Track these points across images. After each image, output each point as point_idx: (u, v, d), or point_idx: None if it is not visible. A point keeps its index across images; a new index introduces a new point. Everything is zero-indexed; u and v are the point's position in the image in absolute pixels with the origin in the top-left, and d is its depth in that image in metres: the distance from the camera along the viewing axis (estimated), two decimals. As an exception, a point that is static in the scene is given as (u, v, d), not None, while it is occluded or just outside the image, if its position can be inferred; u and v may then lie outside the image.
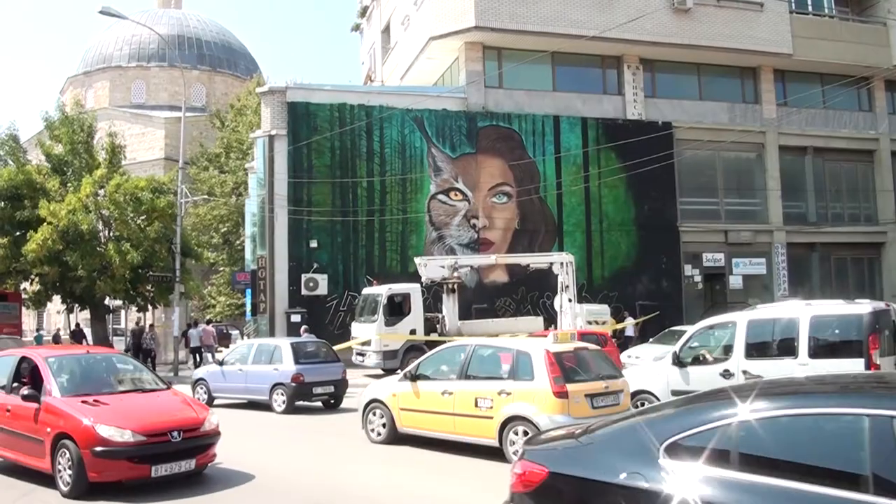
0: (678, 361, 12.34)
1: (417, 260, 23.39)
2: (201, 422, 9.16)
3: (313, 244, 26.08)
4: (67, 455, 8.47)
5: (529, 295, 27.33)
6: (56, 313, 43.95)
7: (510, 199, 28.04)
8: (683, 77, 31.12)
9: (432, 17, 27.93)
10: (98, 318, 29.23)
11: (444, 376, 11.40)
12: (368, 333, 22.11)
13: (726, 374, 11.47)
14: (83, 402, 8.86)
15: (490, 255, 25.48)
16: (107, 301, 29.54)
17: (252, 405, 16.86)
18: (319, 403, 16.89)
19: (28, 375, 9.95)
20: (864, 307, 10.91)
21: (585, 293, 26.83)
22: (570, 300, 22.98)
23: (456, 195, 27.64)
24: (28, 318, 39.61)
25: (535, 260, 24.58)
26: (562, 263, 23.36)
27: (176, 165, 30.45)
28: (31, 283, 28.43)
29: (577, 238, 28.52)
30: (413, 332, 22.25)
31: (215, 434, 9.38)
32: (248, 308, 29.33)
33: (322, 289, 25.86)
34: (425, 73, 30.70)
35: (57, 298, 29.59)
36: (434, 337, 22.55)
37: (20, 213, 25.88)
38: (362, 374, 21.07)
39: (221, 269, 39.92)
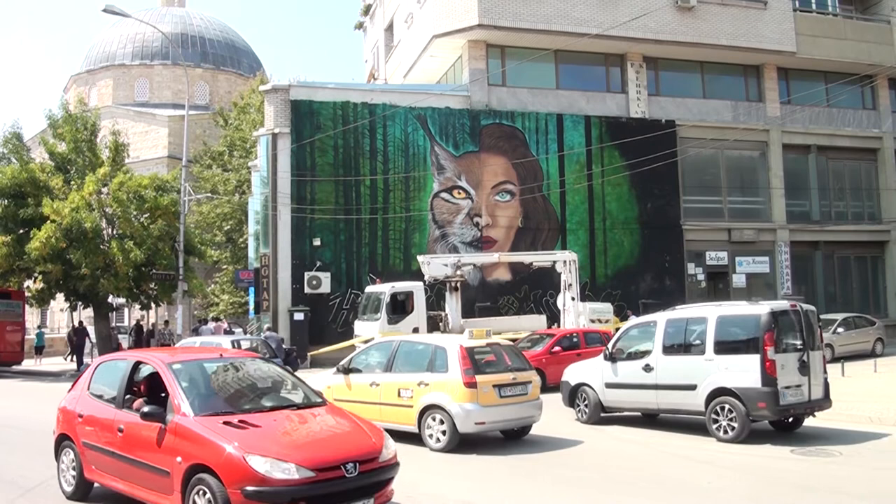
0: (610, 357, 13.38)
1: (420, 258, 23.42)
2: (379, 449, 7.12)
3: (316, 242, 26.11)
4: (208, 495, 6.55)
5: (533, 293, 27.34)
6: (59, 311, 44.02)
7: (513, 197, 28.04)
8: (687, 75, 31.09)
9: (436, 15, 27.93)
10: (101, 316, 29.24)
11: (373, 369, 12.51)
12: (371, 331, 22.09)
13: (647, 369, 12.64)
14: (225, 423, 6.87)
15: (493, 254, 25.51)
16: (110, 299, 29.54)
17: None
18: None
19: (144, 385, 8.33)
20: (763, 308, 11.77)
21: (588, 291, 26.85)
22: (573, 298, 23.03)
23: (459, 193, 27.65)
24: (31, 316, 39.67)
25: (539, 258, 24.60)
26: (565, 262, 23.40)
27: (179, 163, 30.48)
28: (35, 281, 28.44)
29: (580, 236, 28.51)
30: (416, 330, 22.21)
31: (395, 465, 7.35)
32: (252, 306, 29.33)
33: (325, 287, 25.89)
34: (429, 71, 30.71)
35: (60, 296, 29.62)
36: (437, 335, 22.58)
37: (24, 211, 25.90)
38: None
39: (225, 267, 39.92)
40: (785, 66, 31.72)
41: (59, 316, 46.94)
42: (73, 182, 26.92)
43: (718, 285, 30.73)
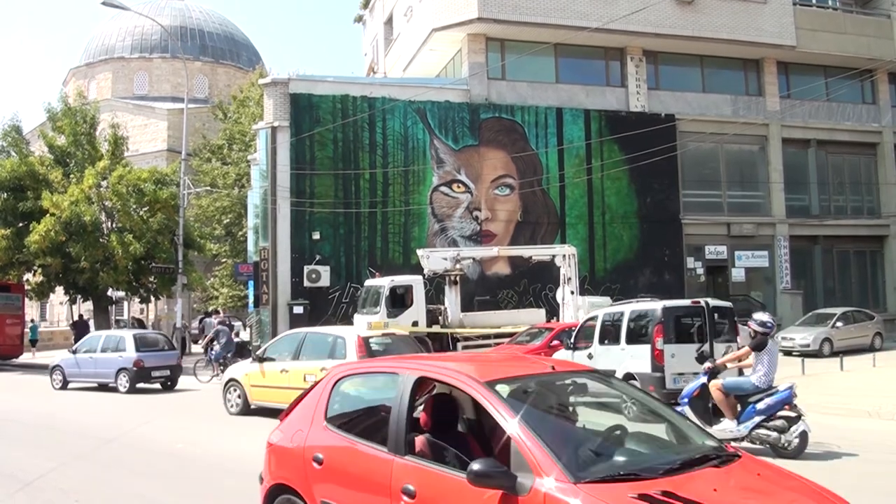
0: (573, 347, 15.13)
1: (420, 252, 23.42)
2: None
3: (316, 236, 26.10)
4: None
5: (532, 287, 27.35)
6: (59, 304, 44.05)
7: (513, 191, 28.03)
8: (687, 69, 31.05)
9: (435, 8, 27.88)
10: (101, 309, 29.31)
11: (283, 357, 13.93)
12: (371, 325, 22.14)
13: (590, 357, 14.40)
14: (642, 497, 3.90)
15: (492, 248, 25.49)
16: (109, 292, 29.59)
17: (102, 388, 19.85)
18: (158, 385, 20.02)
19: (429, 417, 5.31)
20: (658, 304, 13.42)
21: (588, 285, 26.84)
22: (572, 292, 23.03)
23: (458, 187, 27.64)
24: (31, 309, 39.71)
25: (538, 252, 24.60)
26: (564, 256, 23.40)
27: (178, 157, 30.52)
28: (35, 275, 28.52)
29: (579, 230, 28.52)
30: (415, 324, 22.26)
31: None
32: (251, 300, 29.34)
33: (324, 280, 25.88)
34: (428, 64, 30.66)
35: (60, 290, 29.68)
36: (436, 329, 22.61)
37: (23, 204, 25.96)
38: (365, 365, 21.10)
39: (224, 260, 39.92)
40: (785, 60, 31.67)
41: (59, 309, 46.97)
42: (72, 175, 26.96)
43: (717, 279, 30.76)
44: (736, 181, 31.68)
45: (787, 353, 23.67)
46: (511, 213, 27.97)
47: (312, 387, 5.89)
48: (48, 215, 24.76)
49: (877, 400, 13.64)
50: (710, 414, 10.06)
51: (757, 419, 9.70)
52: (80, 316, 32.20)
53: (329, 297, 25.95)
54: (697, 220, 30.03)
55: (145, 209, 26.92)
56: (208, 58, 53.64)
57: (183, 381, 20.87)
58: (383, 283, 22.54)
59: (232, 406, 14.55)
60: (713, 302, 13.28)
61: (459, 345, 22.71)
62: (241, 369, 14.73)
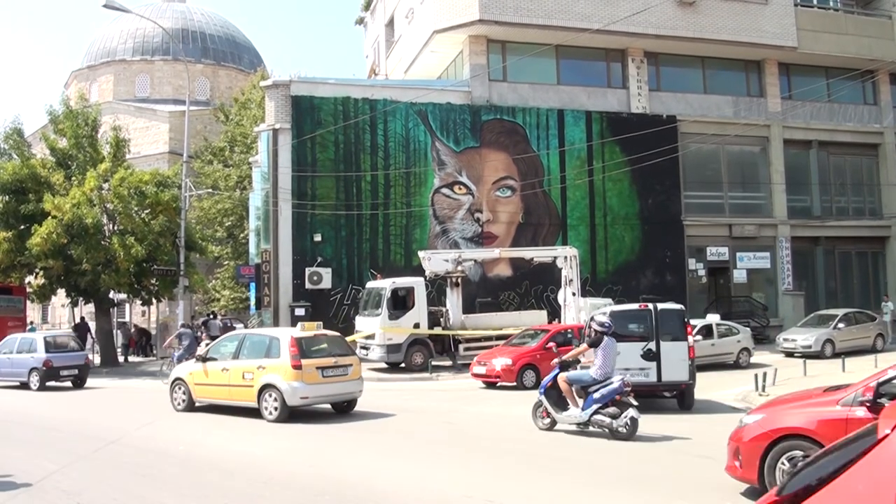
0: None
1: (421, 254, 23.44)
2: None
3: (317, 238, 26.12)
4: None
5: (533, 289, 27.36)
6: (61, 307, 44.05)
7: (514, 192, 28.03)
8: (688, 70, 31.07)
9: (436, 10, 27.89)
10: (102, 311, 29.28)
11: (225, 357, 14.79)
12: (372, 327, 22.15)
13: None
14: None
15: (494, 249, 25.50)
16: (111, 295, 29.57)
17: (22, 386, 21.14)
18: (69, 384, 21.39)
19: None
20: (608, 307, 15.24)
21: (589, 287, 26.87)
22: (573, 294, 23.05)
23: (460, 189, 27.64)
24: (33, 312, 39.71)
25: (539, 254, 24.61)
26: (566, 257, 23.42)
27: (180, 159, 30.51)
28: (36, 277, 28.49)
29: (581, 232, 28.51)
30: (417, 325, 22.30)
31: None
32: (253, 302, 29.35)
33: (326, 282, 25.90)
34: (429, 66, 30.68)
35: (61, 292, 29.65)
36: (438, 331, 22.61)
37: (25, 206, 25.94)
38: (366, 367, 21.02)
39: (226, 262, 39.95)
40: (786, 61, 31.68)
41: (61, 311, 46.96)
42: (74, 178, 26.94)
43: (719, 281, 30.76)
44: (737, 182, 31.68)
45: (789, 354, 23.64)
46: (512, 215, 27.97)
47: (867, 450, 3.22)
48: (50, 218, 24.74)
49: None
50: (563, 401, 11.75)
51: (595, 406, 11.31)
52: (82, 318, 32.18)
53: (331, 299, 25.97)
54: (699, 221, 30.02)
55: (147, 211, 26.90)
56: (210, 60, 53.61)
57: (150, 383, 21.65)
58: (385, 284, 22.56)
59: (178, 403, 15.26)
60: (661, 305, 14.38)
61: (461, 346, 22.73)
62: (186, 369, 15.59)
